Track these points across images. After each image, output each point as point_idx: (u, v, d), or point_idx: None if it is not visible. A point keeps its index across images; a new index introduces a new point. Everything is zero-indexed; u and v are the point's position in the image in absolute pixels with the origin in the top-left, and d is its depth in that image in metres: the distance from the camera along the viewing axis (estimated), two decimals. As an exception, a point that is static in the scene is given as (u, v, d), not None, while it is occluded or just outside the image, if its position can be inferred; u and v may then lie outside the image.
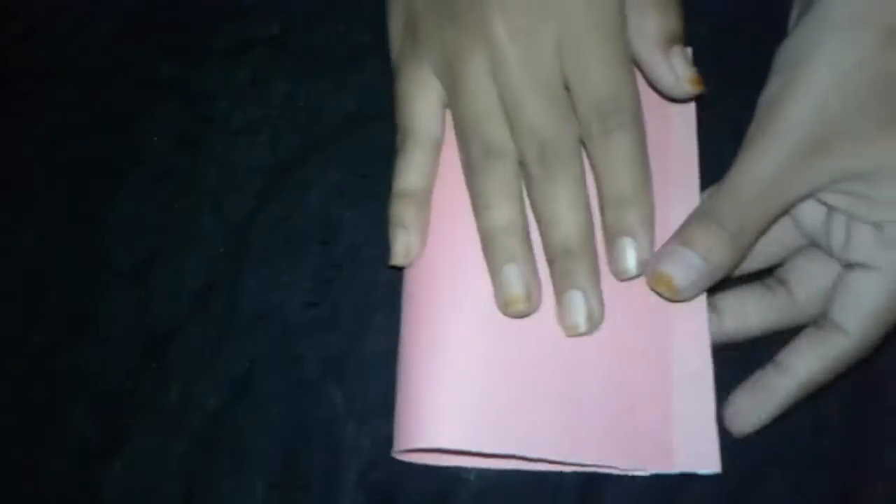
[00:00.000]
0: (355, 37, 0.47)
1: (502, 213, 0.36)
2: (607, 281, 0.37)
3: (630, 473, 0.37)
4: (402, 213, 0.37)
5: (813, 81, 0.34)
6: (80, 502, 0.39)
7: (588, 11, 0.35)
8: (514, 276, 0.36)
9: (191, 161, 0.45)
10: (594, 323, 0.36)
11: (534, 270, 0.36)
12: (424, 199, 0.38)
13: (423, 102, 0.38)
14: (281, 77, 0.46)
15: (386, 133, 0.43)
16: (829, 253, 0.38)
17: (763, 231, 0.35)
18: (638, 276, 0.36)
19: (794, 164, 0.34)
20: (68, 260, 0.43)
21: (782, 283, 0.39)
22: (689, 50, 0.39)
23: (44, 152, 0.45)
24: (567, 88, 0.36)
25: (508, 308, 0.36)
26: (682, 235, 0.36)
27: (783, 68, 0.35)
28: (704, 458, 0.37)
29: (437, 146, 0.38)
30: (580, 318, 0.36)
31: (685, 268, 0.35)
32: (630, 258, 0.36)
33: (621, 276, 0.36)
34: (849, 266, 0.36)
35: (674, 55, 0.36)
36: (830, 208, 0.37)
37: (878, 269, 0.35)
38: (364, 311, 0.41)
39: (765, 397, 0.37)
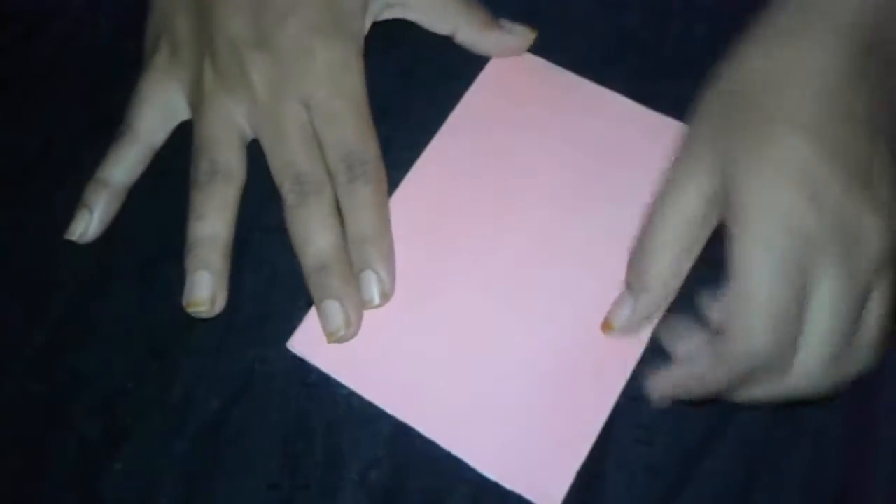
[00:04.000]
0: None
1: (211, 225, 0.41)
2: (560, 302, 0.41)
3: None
4: (94, 196, 0.42)
5: (708, 89, 0.38)
6: (81, 502, 0.39)
7: (331, 77, 0.41)
8: (203, 281, 0.40)
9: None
10: (351, 330, 0.40)
11: (223, 280, 0.41)
12: (120, 191, 0.43)
13: (158, 110, 0.43)
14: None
15: (386, 131, 0.43)
16: None
17: (670, 249, 0.37)
18: (379, 305, 0.40)
19: (674, 184, 0.37)
20: (69, 260, 0.43)
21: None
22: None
23: (44, 152, 0.45)
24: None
25: (190, 308, 0.40)
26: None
27: None
28: (548, 492, 0.37)
29: (153, 151, 0.44)
30: (337, 323, 0.39)
31: (620, 307, 0.40)
32: (373, 289, 0.40)
33: (367, 305, 0.40)
34: None
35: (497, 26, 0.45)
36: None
37: (734, 277, 0.35)
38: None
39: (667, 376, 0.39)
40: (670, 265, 0.38)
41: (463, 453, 0.38)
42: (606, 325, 0.40)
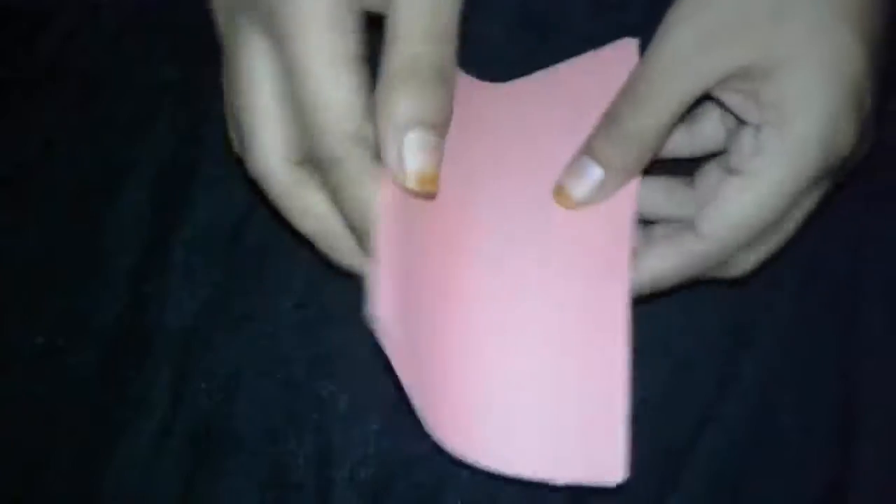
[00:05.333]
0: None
1: None
2: (539, 270, 0.37)
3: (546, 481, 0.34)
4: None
5: None
6: (79, 501, 0.40)
7: None
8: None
9: (190, 161, 0.45)
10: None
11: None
12: None
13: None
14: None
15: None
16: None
17: (665, 129, 0.35)
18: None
19: (688, 58, 0.33)
20: (68, 260, 0.43)
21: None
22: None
23: (44, 152, 0.46)
24: None
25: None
26: (585, 144, 0.36)
27: None
28: (608, 467, 0.34)
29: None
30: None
31: (582, 176, 0.36)
32: None
33: None
34: (728, 172, 0.35)
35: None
36: (731, 115, 0.36)
37: (746, 175, 0.34)
38: (354, 311, 0.41)
39: None
40: (656, 146, 0.35)
41: (508, 468, 0.34)
42: (563, 197, 0.37)
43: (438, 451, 0.38)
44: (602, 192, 0.36)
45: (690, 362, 0.40)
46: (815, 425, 0.40)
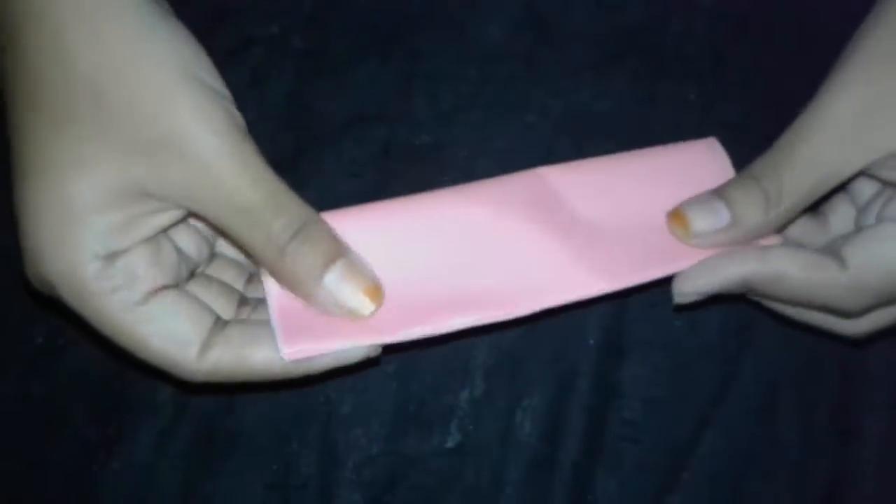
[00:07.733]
0: (355, 37, 0.47)
1: None
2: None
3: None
4: None
5: (864, 58, 0.33)
6: (79, 501, 0.40)
7: None
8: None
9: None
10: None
11: None
12: None
13: None
14: (280, 77, 0.46)
15: (383, 134, 0.43)
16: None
17: (805, 205, 0.34)
18: None
19: (849, 139, 0.33)
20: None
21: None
22: None
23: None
24: None
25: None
26: (718, 188, 0.35)
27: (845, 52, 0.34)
28: (292, 343, 0.33)
29: None
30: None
31: (708, 213, 0.34)
32: None
33: None
34: (882, 218, 0.35)
35: None
36: (883, 183, 0.35)
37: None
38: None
39: (729, 269, 0.34)
40: (791, 214, 0.34)
41: None
42: (679, 223, 0.35)
43: (443, 452, 0.38)
44: (721, 237, 0.35)
45: (690, 362, 0.40)
46: (815, 425, 0.40)
